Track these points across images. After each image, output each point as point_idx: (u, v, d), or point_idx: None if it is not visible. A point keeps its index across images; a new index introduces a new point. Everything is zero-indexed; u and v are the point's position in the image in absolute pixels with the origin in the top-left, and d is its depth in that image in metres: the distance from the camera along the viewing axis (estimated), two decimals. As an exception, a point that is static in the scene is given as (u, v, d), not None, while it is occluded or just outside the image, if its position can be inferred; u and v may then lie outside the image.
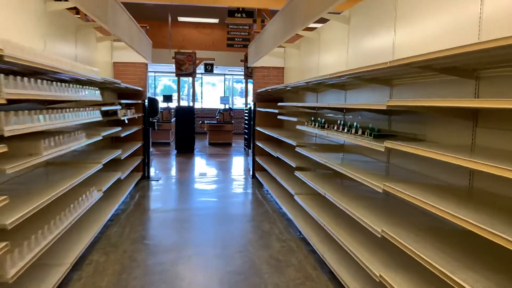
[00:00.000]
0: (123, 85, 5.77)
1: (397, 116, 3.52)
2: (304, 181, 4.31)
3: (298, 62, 7.05)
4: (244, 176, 8.52)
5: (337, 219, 3.72)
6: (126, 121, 6.07)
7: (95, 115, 4.19)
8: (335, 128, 3.81)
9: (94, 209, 4.81)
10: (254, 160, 8.14)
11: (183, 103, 18.17)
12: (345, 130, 3.55)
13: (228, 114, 14.20)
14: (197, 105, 19.30)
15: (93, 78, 4.01)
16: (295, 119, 5.15)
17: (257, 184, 7.61)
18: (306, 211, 4.30)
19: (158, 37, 15.14)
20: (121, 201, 5.62)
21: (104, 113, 5.71)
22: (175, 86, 18.02)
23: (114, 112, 5.60)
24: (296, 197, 4.68)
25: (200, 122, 14.91)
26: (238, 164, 10.48)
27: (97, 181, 4.94)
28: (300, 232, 4.51)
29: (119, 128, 5.38)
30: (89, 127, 5.36)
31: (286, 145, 6.58)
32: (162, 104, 15.40)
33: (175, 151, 12.06)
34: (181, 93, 20.21)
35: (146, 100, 7.88)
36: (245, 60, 12.50)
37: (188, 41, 15.99)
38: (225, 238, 4.63)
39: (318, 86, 5.33)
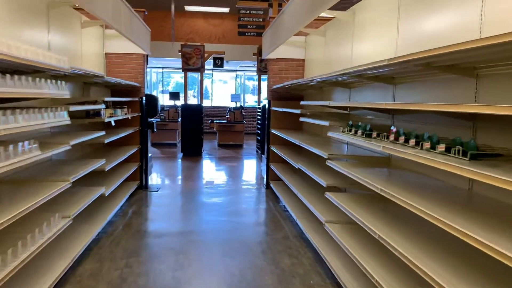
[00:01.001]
0: (109, 78, 4.69)
1: (486, 124, 2.37)
2: (341, 209, 3.16)
3: (323, 52, 5.88)
4: (256, 186, 7.38)
5: (394, 269, 2.58)
6: (113, 123, 4.97)
7: (58, 118, 3.10)
8: (391, 138, 2.66)
9: (64, 239, 3.75)
10: (268, 168, 7.01)
11: (194, 101, 17.15)
12: (411, 144, 2.39)
13: (239, 113, 13.06)
14: (207, 103, 18.24)
15: (55, 68, 2.93)
16: (324, 123, 4.01)
17: (272, 197, 6.48)
18: (339, 244, 3.17)
19: (165, 28, 14.09)
20: (107, 221, 4.56)
21: (86, 114, 4.65)
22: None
23: (98, 113, 4.51)
24: (327, 227, 3.54)
25: (210, 121, 13.81)
26: (250, 170, 9.35)
27: (69, 201, 3.88)
28: (332, 272, 3.38)
29: (102, 133, 4.29)
30: (62, 133, 4.29)
31: (306, 152, 5.45)
32: (169, 102, 14.34)
33: (181, 154, 10.99)
34: (192, 91, 19.27)
35: (144, 98, 6.79)
36: (258, 53, 11.34)
37: (196, 33, 14.87)
38: (232, 280, 3.51)
39: (352, 81, 4.18)
